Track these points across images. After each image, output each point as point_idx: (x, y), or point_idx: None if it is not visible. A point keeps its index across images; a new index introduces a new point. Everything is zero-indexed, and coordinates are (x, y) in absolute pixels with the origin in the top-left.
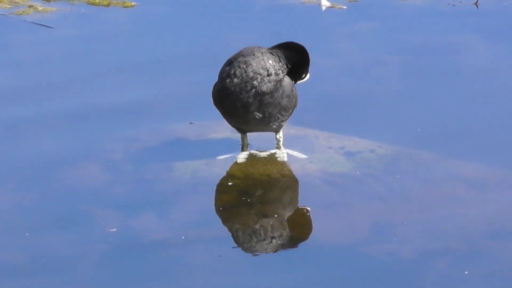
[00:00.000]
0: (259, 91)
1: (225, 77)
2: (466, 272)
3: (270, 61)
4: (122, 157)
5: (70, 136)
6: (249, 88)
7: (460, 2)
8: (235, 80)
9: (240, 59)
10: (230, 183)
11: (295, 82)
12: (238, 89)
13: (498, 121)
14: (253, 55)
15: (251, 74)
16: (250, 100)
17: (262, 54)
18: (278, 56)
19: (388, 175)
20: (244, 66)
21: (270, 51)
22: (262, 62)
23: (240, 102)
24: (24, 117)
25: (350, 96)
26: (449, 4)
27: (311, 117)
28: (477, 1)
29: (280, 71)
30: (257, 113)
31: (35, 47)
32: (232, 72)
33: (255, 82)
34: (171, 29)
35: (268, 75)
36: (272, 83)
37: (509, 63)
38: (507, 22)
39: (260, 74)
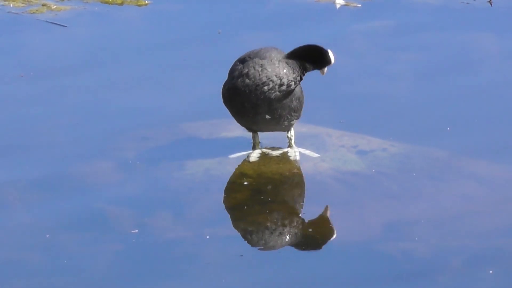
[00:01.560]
0: (267, 97)
1: (237, 76)
2: (491, 272)
3: (285, 70)
4: (134, 155)
5: (82, 134)
6: (259, 92)
7: (474, 0)
8: (247, 80)
9: (256, 60)
10: (245, 183)
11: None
12: (248, 90)
13: (508, 120)
14: (270, 60)
15: (264, 79)
16: (259, 102)
17: (279, 62)
18: (292, 68)
19: (401, 174)
20: (259, 69)
21: (286, 60)
22: (277, 70)
23: (250, 103)
24: (38, 115)
25: (363, 94)
26: (463, 2)
27: (323, 115)
28: None
29: (293, 82)
30: (267, 115)
31: (48, 46)
32: (245, 71)
33: (265, 88)
34: (185, 27)
35: (281, 84)
36: (282, 93)
37: None
38: None
39: (273, 81)
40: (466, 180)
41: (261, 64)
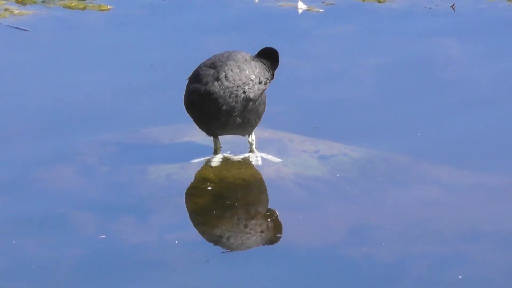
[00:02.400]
0: (247, 97)
1: (211, 80)
2: (460, 277)
3: (260, 69)
4: (96, 160)
5: (44, 139)
6: (240, 92)
7: (437, 5)
8: (226, 83)
9: (230, 62)
10: (209, 188)
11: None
12: (228, 93)
13: (471, 125)
14: (245, 60)
15: (244, 79)
16: (237, 104)
17: (252, 61)
18: (265, 66)
19: (362, 179)
20: (238, 71)
21: (257, 59)
22: (253, 68)
23: (227, 106)
24: None
25: (325, 100)
26: (425, 7)
27: (286, 120)
28: (453, 4)
29: (268, 80)
30: (238, 118)
31: (11, 50)
32: (223, 75)
33: (246, 87)
34: (147, 32)
35: (259, 82)
36: (260, 91)
37: (486, 66)
38: (484, 25)
39: (252, 80)
40: (428, 185)
41: (238, 66)
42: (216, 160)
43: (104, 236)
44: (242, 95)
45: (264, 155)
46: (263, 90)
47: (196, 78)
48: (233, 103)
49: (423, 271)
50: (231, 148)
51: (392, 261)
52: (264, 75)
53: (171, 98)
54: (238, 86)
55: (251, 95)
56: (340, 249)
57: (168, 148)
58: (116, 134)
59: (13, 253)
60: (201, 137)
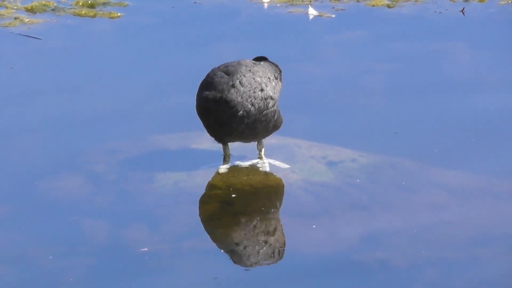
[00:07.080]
0: (266, 95)
1: (227, 88)
2: None
3: (270, 67)
4: (104, 168)
5: (51, 147)
6: (258, 91)
7: (447, 9)
8: (242, 89)
9: (242, 69)
10: (233, 195)
11: None
12: (245, 97)
13: (479, 129)
14: (253, 64)
15: (259, 79)
16: (253, 107)
17: (259, 63)
18: (268, 63)
19: (370, 184)
20: (251, 74)
21: (264, 62)
22: (263, 69)
23: (244, 111)
24: (7, 127)
25: (335, 105)
26: (435, 11)
27: (294, 126)
28: (463, 9)
29: (278, 74)
30: (248, 129)
31: (22, 58)
32: (237, 82)
33: (263, 85)
34: (156, 40)
35: (275, 78)
36: (278, 85)
37: (495, 70)
38: (494, 29)
39: (269, 78)
40: (436, 190)
41: (250, 70)
42: (224, 167)
43: (146, 249)
44: (260, 93)
45: (272, 161)
46: (280, 87)
47: (210, 84)
48: (250, 106)
49: (435, 276)
50: (239, 154)
51: (404, 267)
52: (275, 70)
53: (178, 106)
54: (255, 88)
55: (270, 92)
56: (351, 256)
57: (175, 156)
58: (123, 141)
59: (23, 262)
60: (208, 145)
